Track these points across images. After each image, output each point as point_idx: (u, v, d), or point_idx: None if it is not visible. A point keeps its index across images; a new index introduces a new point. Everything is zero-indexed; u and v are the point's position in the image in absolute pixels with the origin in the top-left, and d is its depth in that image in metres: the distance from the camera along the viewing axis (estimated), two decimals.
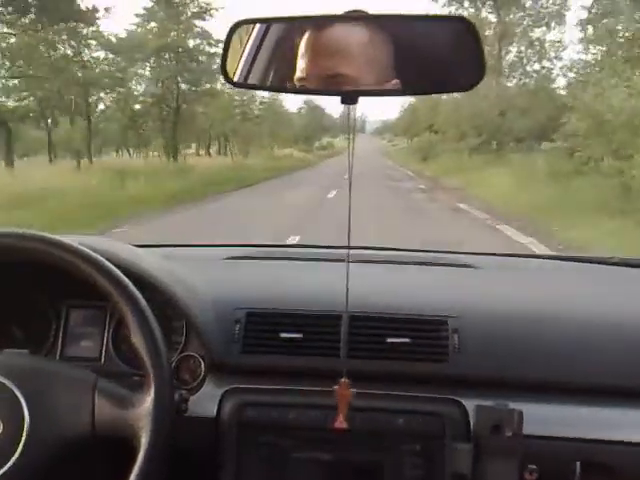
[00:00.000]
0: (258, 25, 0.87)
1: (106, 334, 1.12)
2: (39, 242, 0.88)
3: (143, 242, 1.43)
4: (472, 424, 0.92)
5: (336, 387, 0.89)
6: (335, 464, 1.00)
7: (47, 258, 0.88)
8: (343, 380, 0.89)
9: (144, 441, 0.80)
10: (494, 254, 1.61)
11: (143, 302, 0.86)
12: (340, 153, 56.71)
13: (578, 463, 0.95)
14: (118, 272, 0.87)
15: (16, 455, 0.81)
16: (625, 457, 0.96)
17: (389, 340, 1.04)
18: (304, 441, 1.00)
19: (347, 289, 0.89)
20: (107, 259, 0.89)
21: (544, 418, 0.98)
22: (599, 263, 1.47)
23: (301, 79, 0.81)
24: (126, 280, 0.86)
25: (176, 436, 0.87)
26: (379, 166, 30.04)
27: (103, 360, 1.11)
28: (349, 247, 0.93)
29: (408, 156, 40.21)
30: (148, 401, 0.81)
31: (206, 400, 1.03)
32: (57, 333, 1.14)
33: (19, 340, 1.07)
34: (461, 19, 0.83)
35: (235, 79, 0.87)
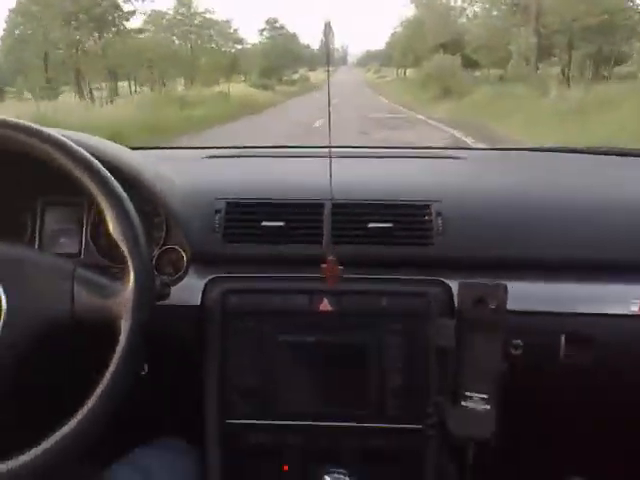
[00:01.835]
0: None
1: (85, 230, 1.14)
2: (12, 129, 0.86)
3: (133, 145, 1.42)
4: (456, 301, 0.94)
5: (323, 265, 0.92)
6: (320, 345, 1.04)
7: (21, 147, 0.86)
8: (330, 258, 0.92)
9: (124, 327, 0.81)
10: (481, 149, 1.99)
11: (121, 192, 0.85)
12: (316, 88, 46.87)
13: (563, 336, 1.02)
14: (97, 163, 0.86)
15: None
16: (606, 329, 1.03)
17: (372, 225, 1.08)
18: (289, 325, 1.04)
19: (330, 175, 0.92)
20: (88, 152, 0.87)
21: (528, 294, 1.03)
22: (584, 153, 1.54)
23: None
24: (104, 171, 0.86)
25: (161, 323, 0.89)
26: (372, 111, 19.67)
27: (83, 255, 1.13)
28: (331, 146, 0.94)
29: (411, 91, 29.54)
30: (127, 289, 0.83)
31: (190, 289, 1.06)
32: (34, 231, 1.16)
33: None
34: None
35: None
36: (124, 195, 0.86)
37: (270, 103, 25.43)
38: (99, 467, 1.00)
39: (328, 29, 0.90)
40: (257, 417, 1.06)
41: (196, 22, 31.78)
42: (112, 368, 0.81)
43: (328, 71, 0.93)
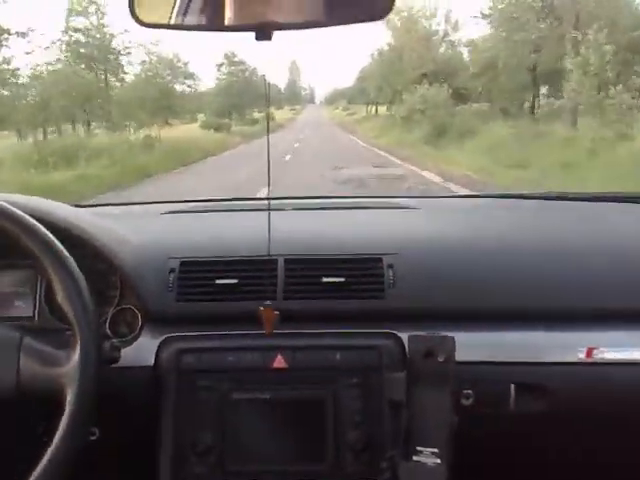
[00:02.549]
0: None
1: (38, 292, 1.14)
2: None
3: (80, 202, 1.46)
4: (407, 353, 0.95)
5: (261, 308, 0.95)
6: (275, 402, 1.05)
7: None
8: (266, 303, 0.96)
9: (69, 396, 0.82)
10: (433, 196, 1.81)
11: (67, 257, 0.87)
12: (281, 127, 44.13)
13: (512, 385, 1.03)
14: (41, 228, 0.88)
15: None
16: (556, 377, 1.05)
17: (325, 280, 1.09)
18: (243, 383, 1.05)
19: (269, 232, 0.95)
20: (34, 217, 0.89)
21: (476, 344, 1.05)
22: (538, 199, 1.58)
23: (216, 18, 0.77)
24: (49, 236, 0.87)
25: (114, 385, 0.92)
26: (346, 162, 14.08)
27: (37, 318, 1.13)
28: (269, 198, 0.99)
29: (390, 130, 25.27)
30: (73, 358, 0.83)
31: (144, 350, 1.07)
32: None
33: None
34: None
35: (144, 19, 0.83)
36: (69, 260, 0.86)
37: (216, 149, 20.47)
38: None
39: (294, 67, 0.82)
40: (213, 477, 1.05)
41: (111, 45, 25.41)
42: (58, 436, 0.82)
43: (268, 116, 1.57)
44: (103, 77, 25.10)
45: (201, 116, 42.41)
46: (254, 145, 24.39)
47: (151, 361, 1.07)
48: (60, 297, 0.86)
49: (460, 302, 1.11)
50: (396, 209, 1.49)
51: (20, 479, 0.81)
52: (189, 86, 36.30)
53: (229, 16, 0.78)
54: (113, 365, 0.93)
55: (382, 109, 52.61)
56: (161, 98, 28.53)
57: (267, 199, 0.92)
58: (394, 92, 30.27)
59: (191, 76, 36.66)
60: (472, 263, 1.15)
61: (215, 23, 0.80)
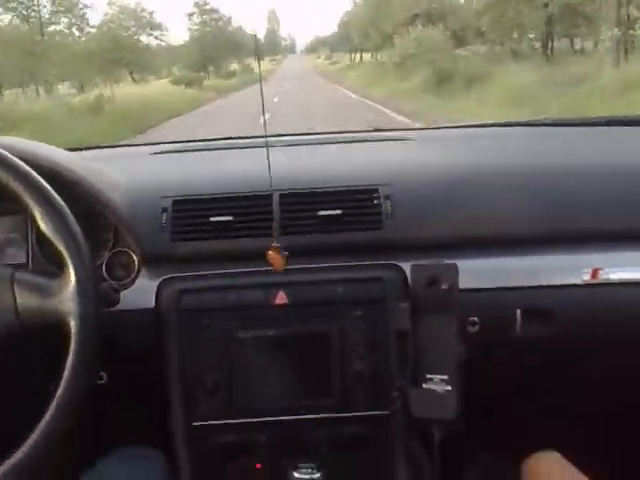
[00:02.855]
0: None
1: (30, 238, 1.13)
2: None
3: (72, 146, 1.40)
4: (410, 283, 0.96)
5: (269, 252, 0.94)
6: (280, 338, 1.04)
7: None
8: (274, 245, 0.94)
9: (73, 321, 0.82)
10: (431, 128, 1.70)
11: (52, 193, 0.85)
12: (256, 82, 38.39)
13: (518, 310, 1.04)
14: (26, 168, 0.86)
15: None
16: (562, 300, 1.05)
17: (321, 213, 1.08)
18: (247, 320, 1.04)
19: (269, 167, 0.95)
20: (22, 158, 0.88)
21: (480, 271, 1.05)
22: (542, 125, 1.56)
23: None
24: (37, 178, 0.86)
25: (116, 329, 0.93)
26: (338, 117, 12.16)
27: (31, 264, 1.13)
28: (267, 135, 0.99)
29: (380, 78, 22.23)
30: (70, 286, 0.83)
31: (143, 292, 1.06)
32: None
33: None
34: None
35: None
36: (54, 196, 0.85)
37: (183, 108, 17.91)
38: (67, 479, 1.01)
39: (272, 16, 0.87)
40: (223, 417, 1.05)
41: None
42: (68, 369, 0.81)
43: (257, 51, 1.02)
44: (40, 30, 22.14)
45: (176, 70, 39.22)
46: (233, 99, 21.54)
47: (151, 303, 1.05)
48: (48, 231, 0.84)
49: (461, 230, 1.10)
50: (392, 141, 1.48)
51: (32, 421, 0.80)
52: (157, 37, 33.33)
53: None
54: (113, 308, 0.93)
55: (367, 56, 49.53)
56: (121, 51, 25.56)
57: (264, 137, 0.94)
58: (383, 36, 27.53)
59: (158, 27, 33.45)
60: (471, 190, 1.13)
61: None
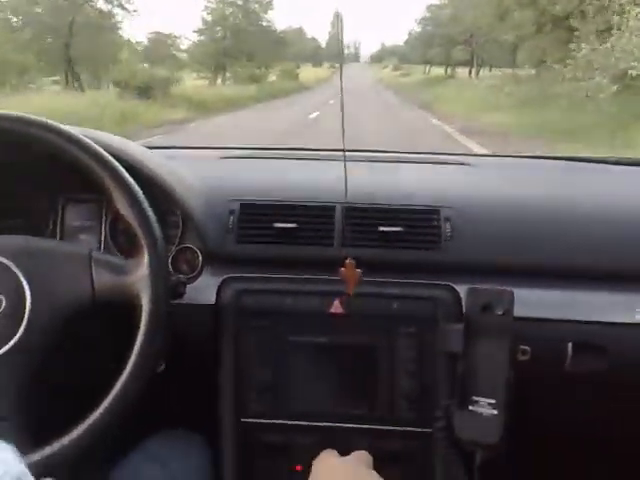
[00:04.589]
0: None
1: (104, 227, 1.19)
2: (37, 127, 0.90)
3: (151, 144, 1.53)
4: (464, 306, 1.00)
5: (342, 269, 0.96)
6: (331, 347, 1.09)
7: (42, 144, 0.91)
8: (348, 261, 0.95)
9: (144, 301, 0.86)
10: (491, 155, 1.87)
11: (132, 182, 0.90)
12: (304, 89, 32.43)
13: (570, 344, 1.05)
14: (113, 160, 0.91)
15: (21, 329, 0.86)
16: (615, 337, 1.07)
17: (382, 229, 1.12)
18: (301, 326, 1.09)
19: (345, 178, 0.96)
20: (108, 152, 0.92)
21: (536, 301, 1.07)
22: (596, 162, 1.56)
23: None
24: (119, 167, 0.91)
25: (177, 322, 0.96)
26: None
27: (102, 252, 1.18)
28: (345, 150, 0.98)
29: (492, 102, 15.54)
30: (144, 266, 0.88)
31: (204, 288, 1.11)
32: (55, 227, 1.21)
33: (17, 233, 1.08)
34: None
35: None
36: (135, 185, 0.90)
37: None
38: (116, 456, 1.05)
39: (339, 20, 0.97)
40: (270, 417, 1.10)
41: None
42: (138, 342, 0.85)
43: (341, 67, 1.07)
44: None
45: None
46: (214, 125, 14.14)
47: (212, 299, 1.10)
48: (126, 212, 0.89)
49: (518, 258, 1.12)
50: (455, 165, 1.52)
51: (97, 398, 0.84)
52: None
53: None
54: (178, 301, 0.98)
55: (439, 70, 37.64)
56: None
57: (342, 150, 0.93)
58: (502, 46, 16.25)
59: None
60: (530, 220, 1.16)
61: None
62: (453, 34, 30.04)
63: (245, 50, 32.10)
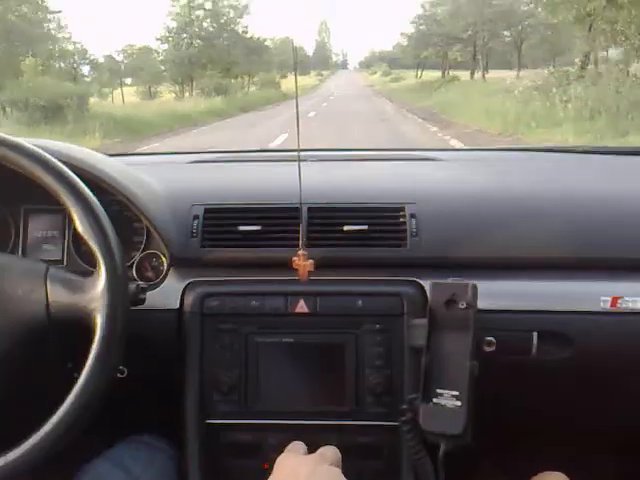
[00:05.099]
0: None
1: (67, 237, 1.21)
2: None
3: (112, 152, 1.51)
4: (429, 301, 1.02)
5: (294, 258, 0.98)
6: (297, 346, 1.10)
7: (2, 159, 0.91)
8: (300, 252, 0.97)
9: (99, 319, 0.86)
10: (457, 149, 2.30)
11: (85, 190, 0.90)
12: (285, 98, 28.66)
13: (535, 333, 1.07)
14: (70, 174, 0.90)
15: None
16: (578, 325, 1.08)
17: (347, 228, 1.13)
18: (266, 327, 1.10)
19: (300, 181, 0.99)
20: (60, 160, 0.92)
21: (499, 293, 1.09)
22: (558, 152, 1.63)
23: None
24: (78, 181, 0.90)
25: (140, 327, 0.97)
26: None
27: (66, 262, 1.21)
28: (299, 150, 0.99)
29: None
30: (100, 284, 0.87)
31: (169, 293, 1.13)
32: (17, 238, 1.22)
33: None
34: None
35: None
36: (89, 193, 0.90)
37: None
38: (79, 463, 1.06)
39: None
40: (236, 417, 1.10)
41: None
42: (90, 362, 0.85)
43: (295, 53, 1.04)
44: None
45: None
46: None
47: (176, 304, 1.11)
48: (82, 230, 0.88)
49: (483, 252, 1.13)
50: (419, 160, 1.54)
51: (52, 410, 0.85)
52: None
53: None
54: (140, 307, 0.98)
55: (435, 74, 34.22)
56: None
57: (297, 150, 0.96)
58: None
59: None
60: (494, 213, 1.17)
61: None
62: (453, 31, 26.54)
63: (217, 59, 28.31)
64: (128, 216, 1.14)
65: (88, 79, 24.24)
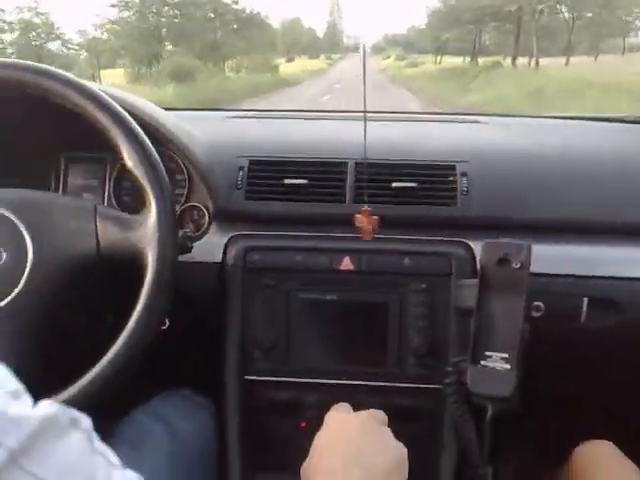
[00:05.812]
0: None
1: (107, 186, 1.20)
2: (51, 78, 0.87)
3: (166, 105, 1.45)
4: (478, 262, 0.98)
5: (358, 215, 0.95)
6: (340, 304, 1.09)
7: (42, 93, 0.87)
8: (365, 208, 0.94)
9: (150, 255, 0.85)
10: (505, 115, 1.72)
11: (142, 133, 0.89)
12: (286, 84, 24.51)
13: (585, 299, 1.05)
14: (119, 109, 0.89)
15: (22, 282, 0.85)
16: (629, 292, 1.07)
17: (396, 185, 1.11)
18: (309, 283, 1.09)
19: (365, 139, 0.93)
20: (127, 110, 0.91)
21: (551, 257, 1.07)
22: (612, 121, 1.54)
23: None
24: (127, 116, 0.89)
25: (182, 280, 0.93)
26: None
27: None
28: (366, 111, 0.94)
29: None
30: (151, 221, 0.86)
31: (211, 246, 1.12)
32: (57, 186, 1.22)
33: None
34: None
35: None
36: (143, 134, 0.88)
37: None
38: (119, 413, 1.05)
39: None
40: (276, 374, 1.10)
41: None
42: (143, 295, 0.84)
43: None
44: None
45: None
46: None
47: (218, 258, 1.10)
48: (132, 164, 0.86)
49: (535, 213, 1.12)
50: (470, 123, 1.52)
51: (99, 353, 0.83)
52: None
53: None
54: (183, 258, 0.95)
55: (452, 59, 29.38)
56: None
57: (363, 112, 0.91)
58: None
59: None
60: (548, 176, 1.15)
61: None
62: (496, 2, 21.31)
63: (195, 34, 22.92)
64: (171, 167, 1.12)
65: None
